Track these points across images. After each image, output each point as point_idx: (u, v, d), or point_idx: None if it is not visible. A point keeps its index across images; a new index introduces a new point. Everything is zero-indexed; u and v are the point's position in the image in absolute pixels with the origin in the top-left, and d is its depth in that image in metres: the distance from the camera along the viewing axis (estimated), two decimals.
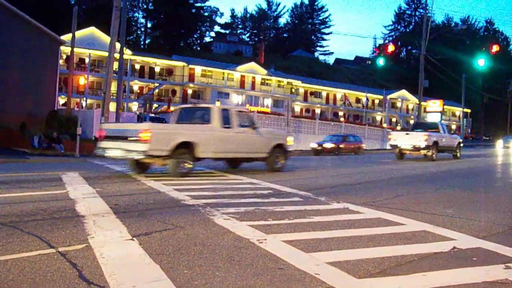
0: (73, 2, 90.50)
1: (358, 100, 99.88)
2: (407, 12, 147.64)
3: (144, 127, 14.87)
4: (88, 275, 4.97)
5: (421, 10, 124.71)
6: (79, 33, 54.35)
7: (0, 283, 4.72)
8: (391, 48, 43.73)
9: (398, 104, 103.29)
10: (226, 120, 16.25)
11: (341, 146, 41.18)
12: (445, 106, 74.98)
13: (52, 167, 18.82)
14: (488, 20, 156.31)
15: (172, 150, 14.55)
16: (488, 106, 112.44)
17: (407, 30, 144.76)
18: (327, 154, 38.94)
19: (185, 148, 14.93)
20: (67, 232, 6.91)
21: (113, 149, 15.19)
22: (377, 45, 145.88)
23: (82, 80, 48.21)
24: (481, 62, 43.05)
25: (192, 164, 15.30)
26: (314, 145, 41.26)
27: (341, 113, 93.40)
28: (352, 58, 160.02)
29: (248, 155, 17.38)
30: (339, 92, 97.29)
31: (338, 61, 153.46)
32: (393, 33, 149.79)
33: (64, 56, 58.42)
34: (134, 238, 6.60)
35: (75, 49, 42.31)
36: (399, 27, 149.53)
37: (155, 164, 15.92)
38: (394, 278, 5.19)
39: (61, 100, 57.59)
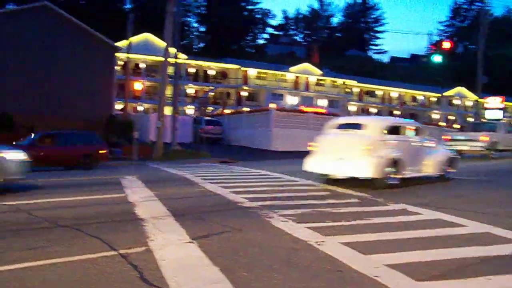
0: (128, 10, 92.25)
1: (413, 99, 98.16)
2: (463, 6, 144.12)
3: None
4: (149, 277, 5.06)
5: (478, 4, 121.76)
6: (134, 40, 55.28)
7: (67, 283, 4.86)
8: (447, 44, 42.72)
9: (456, 102, 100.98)
10: None
11: None
12: (506, 103, 73.04)
13: (111, 171, 19.22)
14: None
15: None
16: None
17: (464, 25, 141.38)
18: None
19: None
20: (127, 235, 7.05)
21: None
22: (433, 41, 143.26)
23: (138, 85, 49.15)
24: None
25: None
26: None
27: (396, 112, 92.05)
28: (407, 56, 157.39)
29: None
30: (395, 91, 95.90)
31: (392, 59, 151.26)
32: (449, 29, 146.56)
33: (120, 62, 59.58)
34: (193, 241, 6.68)
35: (131, 55, 43.09)
36: (455, 23, 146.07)
37: None
38: (455, 281, 5.07)
39: (118, 105, 58.73)
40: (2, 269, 5.31)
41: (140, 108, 67.65)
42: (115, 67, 42.05)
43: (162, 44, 32.72)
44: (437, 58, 39.83)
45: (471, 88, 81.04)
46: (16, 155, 12.56)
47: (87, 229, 7.37)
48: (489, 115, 62.56)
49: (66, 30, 36.21)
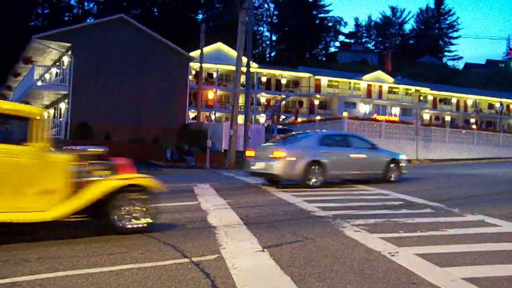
0: (200, 20, 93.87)
1: (491, 106, 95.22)
2: None
3: None
4: (220, 285, 5.08)
5: None
6: (206, 49, 56.14)
7: None
8: None
9: None
10: None
11: None
12: None
13: (184, 179, 19.51)
14: None
15: None
16: None
17: None
18: None
19: None
20: (200, 243, 7.12)
21: None
22: (511, 46, 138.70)
23: (211, 94, 49.77)
24: None
25: None
26: None
27: (472, 120, 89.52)
28: (483, 61, 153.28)
29: None
30: (470, 98, 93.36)
31: (468, 65, 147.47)
32: None
33: (193, 72, 60.58)
34: (265, 250, 6.68)
35: (204, 65, 43.71)
36: None
37: None
38: None
39: (191, 114, 59.69)
40: (80, 272, 5.46)
41: (212, 117, 68.50)
42: (189, 77, 42.81)
43: (234, 53, 33.08)
44: None
45: None
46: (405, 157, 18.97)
47: (160, 236, 7.49)
48: None
49: (142, 41, 37.32)
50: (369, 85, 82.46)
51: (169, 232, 7.91)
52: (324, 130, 23.27)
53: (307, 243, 7.14)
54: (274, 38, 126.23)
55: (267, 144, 19.57)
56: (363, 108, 79.32)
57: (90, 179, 7.80)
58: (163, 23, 74.84)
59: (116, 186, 7.63)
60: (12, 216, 6.81)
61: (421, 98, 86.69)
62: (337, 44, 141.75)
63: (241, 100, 39.82)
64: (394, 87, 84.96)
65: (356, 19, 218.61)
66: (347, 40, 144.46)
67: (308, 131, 23.46)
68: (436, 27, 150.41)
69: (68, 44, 35.20)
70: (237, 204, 11.21)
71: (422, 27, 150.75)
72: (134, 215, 7.81)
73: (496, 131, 53.82)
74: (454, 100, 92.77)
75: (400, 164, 17.94)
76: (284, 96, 76.94)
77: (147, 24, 39.45)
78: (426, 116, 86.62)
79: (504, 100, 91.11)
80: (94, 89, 34.81)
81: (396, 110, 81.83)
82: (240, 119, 33.13)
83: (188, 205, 11.19)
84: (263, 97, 76.75)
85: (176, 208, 10.68)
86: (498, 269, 5.87)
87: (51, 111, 43.94)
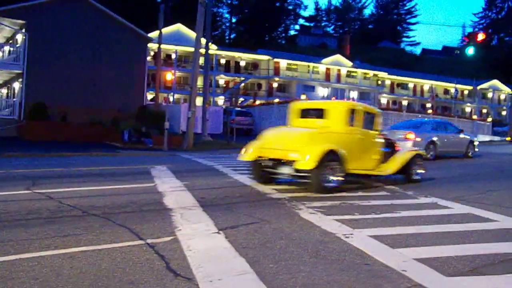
0: (159, 1, 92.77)
1: (446, 91, 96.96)
2: None
3: None
4: (175, 267, 5.08)
5: None
6: (165, 30, 55.62)
7: (95, 270, 4.90)
8: (481, 36, 42.06)
9: (489, 95, 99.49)
10: None
11: None
12: None
13: (141, 160, 19.36)
14: None
15: None
16: None
17: (499, 16, 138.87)
18: None
19: None
20: (155, 225, 7.09)
21: None
22: (466, 33, 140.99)
23: (169, 75, 49.33)
24: None
25: None
26: None
27: (428, 105, 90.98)
28: (439, 48, 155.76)
29: None
30: (427, 83, 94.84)
31: (425, 51, 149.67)
32: (483, 21, 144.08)
33: (152, 53, 59.96)
34: (220, 232, 6.69)
35: (162, 46, 43.32)
36: (490, 14, 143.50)
37: None
38: (487, 277, 4.99)
39: (150, 95, 59.14)
40: (33, 255, 5.38)
41: (171, 99, 68.02)
42: (147, 58, 42.35)
43: (193, 34, 32.76)
44: (471, 51, 39.25)
45: (506, 81, 79.83)
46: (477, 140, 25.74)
47: (115, 218, 7.43)
48: None
49: (100, 20, 36.69)
50: (328, 69, 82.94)
51: (125, 214, 7.84)
52: (432, 119, 33.12)
53: (262, 225, 7.17)
54: (234, 20, 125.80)
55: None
56: (322, 92, 79.82)
57: (396, 151, 12.78)
58: (122, 3, 73.56)
59: (413, 154, 12.85)
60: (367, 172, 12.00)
61: (379, 82, 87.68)
62: (297, 27, 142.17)
63: (200, 82, 39.67)
64: (353, 71, 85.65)
65: (316, 3, 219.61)
66: (307, 24, 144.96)
67: (421, 118, 34.22)
68: (395, 12, 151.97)
69: (23, 22, 34.21)
70: (194, 186, 11.17)
71: (381, 12, 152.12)
72: (418, 171, 12.92)
73: (451, 116, 54.84)
74: (411, 85, 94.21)
75: (475, 143, 24.09)
76: (243, 79, 76.86)
77: (106, 4, 38.70)
78: (383, 101, 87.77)
79: (458, 86, 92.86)
80: (50, 68, 34.07)
81: (354, 94, 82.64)
82: (199, 101, 33.03)
83: (145, 187, 11.11)
84: (222, 79, 76.50)
85: (133, 190, 10.60)
86: (447, 249, 6.02)
87: (4, 90, 42.97)
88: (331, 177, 10.38)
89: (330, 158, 10.26)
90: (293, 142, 10.59)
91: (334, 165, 10.41)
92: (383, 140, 12.43)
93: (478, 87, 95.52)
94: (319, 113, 11.64)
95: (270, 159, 10.97)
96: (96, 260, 5.25)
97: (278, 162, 10.77)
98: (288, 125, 12.72)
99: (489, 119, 59.98)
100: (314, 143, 10.30)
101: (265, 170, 11.31)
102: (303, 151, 10.04)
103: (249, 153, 11.28)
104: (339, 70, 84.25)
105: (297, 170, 10.15)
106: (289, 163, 10.39)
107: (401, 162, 12.38)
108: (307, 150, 10.03)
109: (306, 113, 12.05)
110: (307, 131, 11.00)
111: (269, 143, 11.15)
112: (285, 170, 10.66)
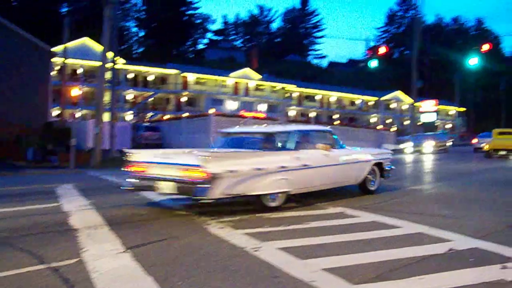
0: (64, 14, 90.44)
1: (352, 103, 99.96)
2: (398, 13, 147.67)
3: None
4: None
5: (412, 11, 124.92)
6: (71, 44, 54.27)
7: None
8: (383, 49, 43.78)
9: (393, 106, 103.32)
10: None
11: None
12: (439, 106, 74.95)
13: (46, 179, 18.73)
14: (478, 19, 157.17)
15: None
16: (481, 105, 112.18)
17: (399, 31, 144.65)
18: None
19: None
20: (59, 247, 6.84)
21: None
22: (370, 47, 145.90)
23: (76, 91, 48.13)
24: (472, 61, 42.93)
25: None
26: None
27: (336, 116, 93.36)
28: (345, 61, 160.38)
29: None
30: (334, 95, 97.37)
31: (331, 64, 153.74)
32: (385, 35, 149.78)
33: (57, 68, 58.34)
34: (128, 250, 6.55)
35: (68, 60, 42.30)
36: (390, 29, 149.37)
37: None
38: (390, 282, 5.15)
39: (55, 111, 57.47)
40: None
41: (78, 115, 66.37)
42: (51, 73, 41.12)
43: (100, 48, 32.12)
44: (374, 63, 40.68)
45: (407, 92, 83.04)
46: None
47: (16, 242, 7.10)
48: (424, 118, 64.15)
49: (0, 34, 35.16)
50: (236, 82, 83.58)
51: (26, 237, 7.52)
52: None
53: (171, 242, 7.08)
54: (141, 34, 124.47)
55: None
56: (231, 105, 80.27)
57: None
58: (23, 15, 71.26)
59: None
60: None
61: (287, 95, 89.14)
62: (205, 41, 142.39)
63: (107, 97, 38.86)
64: (261, 84, 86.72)
65: (225, 17, 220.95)
66: (215, 38, 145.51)
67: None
68: (301, 26, 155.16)
69: None
70: (101, 205, 10.91)
71: (288, 26, 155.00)
72: None
73: (357, 127, 56.44)
74: (318, 97, 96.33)
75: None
76: (152, 93, 76.10)
77: (7, 16, 37.26)
78: (292, 113, 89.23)
79: (364, 97, 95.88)
80: None
81: (263, 107, 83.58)
82: (106, 116, 32.35)
83: (49, 208, 10.72)
84: (130, 94, 75.45)
85: (35, 211, 10.19)
86: (354, 257, 6.16)
87: None
88: None
89: None
90: None
91: None
92: None
93: (382, 98, 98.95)
94: None
95: None
96: None
97: None
98: None
99: (393, 129, 62.09)
100: None
101: None
102: None
103: None
104: (247, 84, 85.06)
105: None
106: None
107: None
108: None
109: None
110: None
111: None
112: None
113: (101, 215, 9.50)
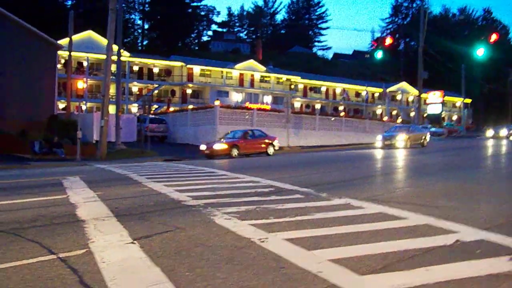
0: (69, 6, 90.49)
1: (357, 94, 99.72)
2: (404, 4, 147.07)
3: None
4: (88, 280, 4.95)
5: (418, 2, 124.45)
6: (76, 37, 54.31)
7: None
8: (388, 41, 43.56)
9: (398, 97, 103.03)
10: None
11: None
12: (445, 97, 74.79)
13: (53, 172, 18.80)
14: (486, 9, 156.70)
15: None
16: (488, 97, 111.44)
17: (405, 22, 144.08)
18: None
19: None
20: (67, 238, 6.88)
21: None
22: (375, 38, 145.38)
23: (81, 84, 48.22)
24: (480, 52, 42.55)
25: None
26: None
27: (341, 108, 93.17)
28: (350, 52, 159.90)
29: None
30: (339, 87, 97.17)
31: (336, 55, 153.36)
32: (390, 26, 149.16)
33: (62, 61, 58.38)
34: (135, 241, 6.58)
35: (73, 53, 42.26)
36: (396, 20, 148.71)
37: None
38: (396, 273, 5.14)
39: (61, 104, 57.59)
40: None
41: (83, 107, 66.48)
42: (57, 66, 41.18)
43: (105, 41, 32.17)
44: (379, 54, 40.53)
45: (413, 83, 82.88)
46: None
47: (25, 234, 7.16)
48: (430, 109, 63.95)
49: (5, 27, 35.19)
50: (241, 74, 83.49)
51: (35, 228, 7.57)
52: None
53: (177, 233, 7.11)
54: (146, 26, 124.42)
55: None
56: (236, 97, 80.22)
57: None
58: (29, 10, 71.24)
59: None
60: None
61: (292, 86, 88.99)
62: (210, 33, 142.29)
63: (113, 89, 38.95)
64: (266, 76, 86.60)
65: (229, 9, 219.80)
66: (220, 30, 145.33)
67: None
68: (306, 18, 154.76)
69: None
70: (107, 196, 10.95)
71: (293, 17, 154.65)
72: None
73: (362, 118, 56.37)
74: (323, 89, 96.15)
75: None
76: (157, 85, 76.18)
77: (13, 10, 37.29)
78: (297, 104, 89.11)
79: (369, 88, 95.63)
80: None
81: (268, 99, 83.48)
82: (112, 109, 32.43)
83: (56, 199, 10.77)
84: (135, 87, 75.52)
85: (43, 203, 10.24)
86: (360, 248, 6.15)
87: None
88: None
89: None
90: None
91: None
92: None
93: (388, 90, 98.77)
94: None
95: None
96: (2, 279, 5.03)
97: None
98: None
99: (399, 120, 61.98)
100: None
101: None
102: None
103: None
104: (252, 75, 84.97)
105: None
106: None
107: None
108: None
109: None
110: None
111: None
112: None
113: (108, 206, 9.54)
